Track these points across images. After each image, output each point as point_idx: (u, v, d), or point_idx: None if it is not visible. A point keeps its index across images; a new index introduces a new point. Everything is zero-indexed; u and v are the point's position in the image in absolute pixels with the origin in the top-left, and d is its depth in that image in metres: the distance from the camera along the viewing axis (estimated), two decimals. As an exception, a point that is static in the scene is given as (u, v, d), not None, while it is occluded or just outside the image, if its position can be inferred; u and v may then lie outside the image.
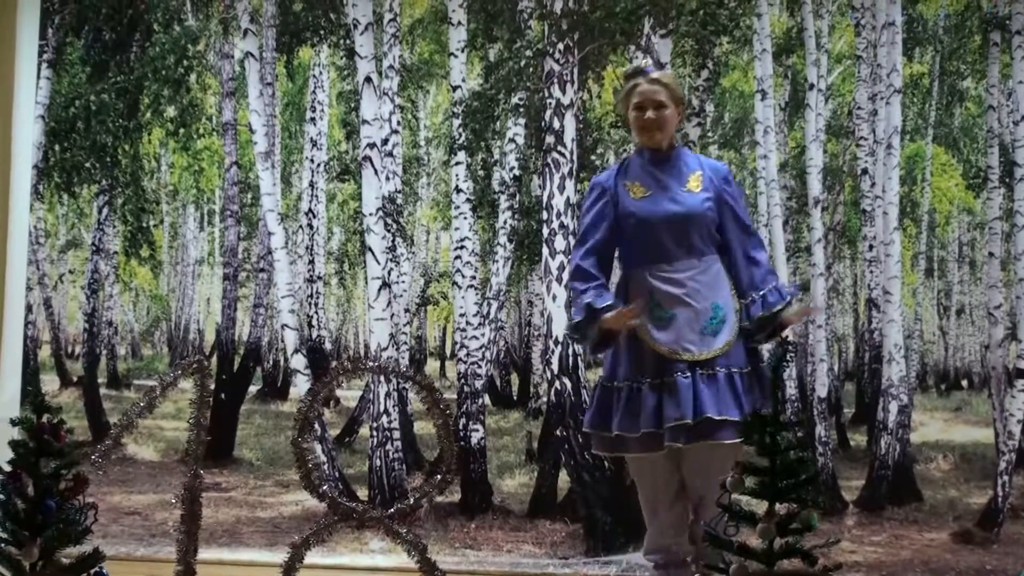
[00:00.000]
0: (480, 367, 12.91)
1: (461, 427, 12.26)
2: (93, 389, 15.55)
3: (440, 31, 17.63)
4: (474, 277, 13.21)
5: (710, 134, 17.83)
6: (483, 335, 13.16)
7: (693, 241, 4.79)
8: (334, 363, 4.77)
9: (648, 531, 5.06)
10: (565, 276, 10.26)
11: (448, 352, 30.08)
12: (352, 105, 16.11)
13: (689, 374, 4.67)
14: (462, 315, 13.11)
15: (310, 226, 17.07)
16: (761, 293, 4.76)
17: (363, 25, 11.91)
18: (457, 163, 13.12)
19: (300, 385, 12.75)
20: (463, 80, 13.08)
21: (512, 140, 13.78)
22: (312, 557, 4.75)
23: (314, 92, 17.25)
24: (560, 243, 10.75)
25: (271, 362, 20.12)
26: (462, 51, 13.11)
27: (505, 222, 13.74)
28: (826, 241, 14.28)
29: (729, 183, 4.92)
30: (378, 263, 11.79)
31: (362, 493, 11.97)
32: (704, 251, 4.81)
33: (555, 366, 10.73)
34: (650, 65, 5.05)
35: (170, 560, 4.90)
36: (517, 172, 13.82)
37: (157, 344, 29.25)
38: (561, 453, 10.88)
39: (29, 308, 15.44)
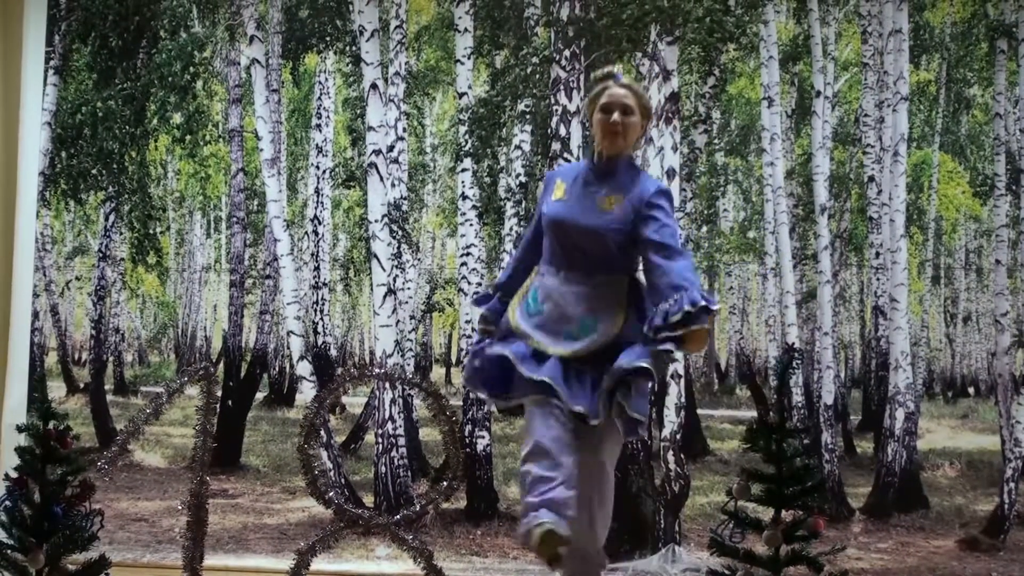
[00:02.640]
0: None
1: (467, 434, 12.24)
2: (100, 395, 15.54)
3: (446, 38, 17.62)
4: (480, 284, 13.20)
5: (716, 141, 17.82)
6: (489, 342, 13.13)
7: (585, 255, 4.81)
8: (340, 370, 4.77)
9: None
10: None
11: (454, 359, 30.07)
12: (358, 112, 16.10)
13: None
14: (468, 322, 13.11)
15: (316, 233, 17.06)
16: (668, 303, 4.65)
17: (369, 32, 11.93)
18: (463, 170, 13.11)
19: (306, 392, 12.75)
20: (469, 87, 13.07)
21: (518, 147, 13.76)
22: (318, 563, 4.76)
23: (320, 99, 17.24)
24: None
25: (277, 369, 20.10)
26: (468, 58, 13.10)
27: (511, 229, 13.73)
28: (833, 248, 14.26)
29: (651, 205, 4.82)
30: (383, 270, 11.79)
31: (368, 500, 11.96)
32: (597, 268, 4.81)
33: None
34: (620, 72, 5.05)
35: (177, 566, 4.91)
36: (523, 179, 13.81)
37: (164, 351, 29.24)
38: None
39: (36, 314, 15.46)
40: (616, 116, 4.88)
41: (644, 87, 5.07)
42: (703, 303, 4.61)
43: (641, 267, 4.92)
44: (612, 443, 4.87)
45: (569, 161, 10.64)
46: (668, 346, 4.65)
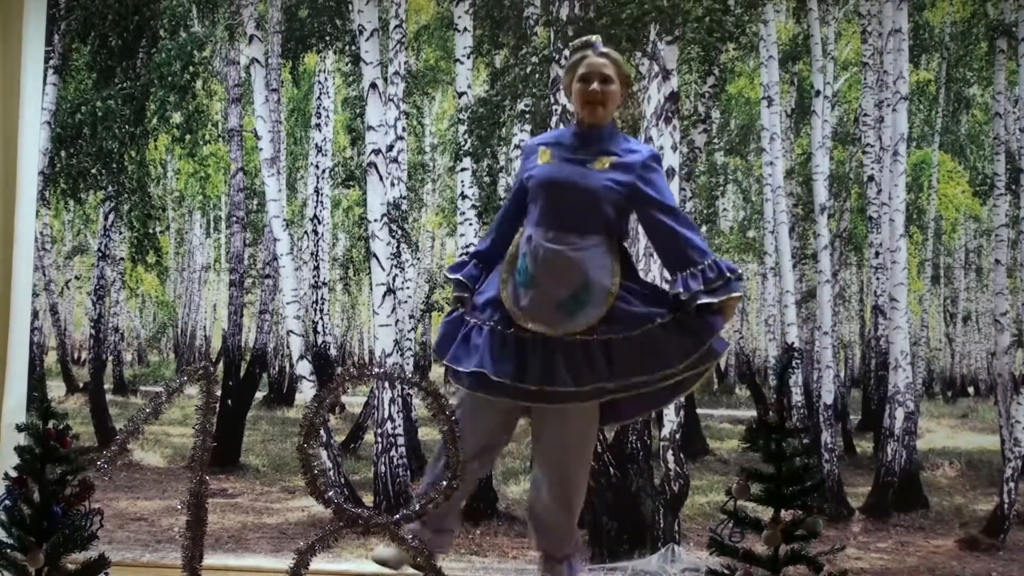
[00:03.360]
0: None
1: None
2: (99, 395, 15.54)
3: (446, 37, 17.63)
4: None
5: (716, 141, 17.81)
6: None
7: (579, 216, 4.78)
8: (339, 369, 4.76)
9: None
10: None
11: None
12: (357, 111, 16.10)
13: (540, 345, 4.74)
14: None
15: (315, 232, 17.07)
16: (700, 267, 4.70)
17: (369, 31, 11.93)
18: (463, 169, 13.11)
19: (306, 391, 12.76)
20: (469, 86, 13.07)
21: (518, 146, 13.76)
22: (318, 563, 4.76)
23: (319, 98, 17.25)
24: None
25: (277, 368, 20.10)
26: (468, 57, 13.10)
27: (511, 228, 13.72)
28: (832, 248, 14.27)
29: (647, 167, 4.84)
30: (383, 269, 11.80)
31: (367, 499, 11.96)
32: (589, 229, 4.78)
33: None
34: (599, 41, 5.03)
35: (176, 566, 4.91)
36: (523, 179, 13.80)
37: (164, 350, 29.24)
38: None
39: (35, 314, 15.46)
40: (596, 85, 4.87)
41: (637, 74, 5.02)
42: (739, 270, 4.71)
43: (644, 230, 4.93)
44: (580, 423, 4.86)
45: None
46: (715, 323, 4.71)
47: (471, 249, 5.24)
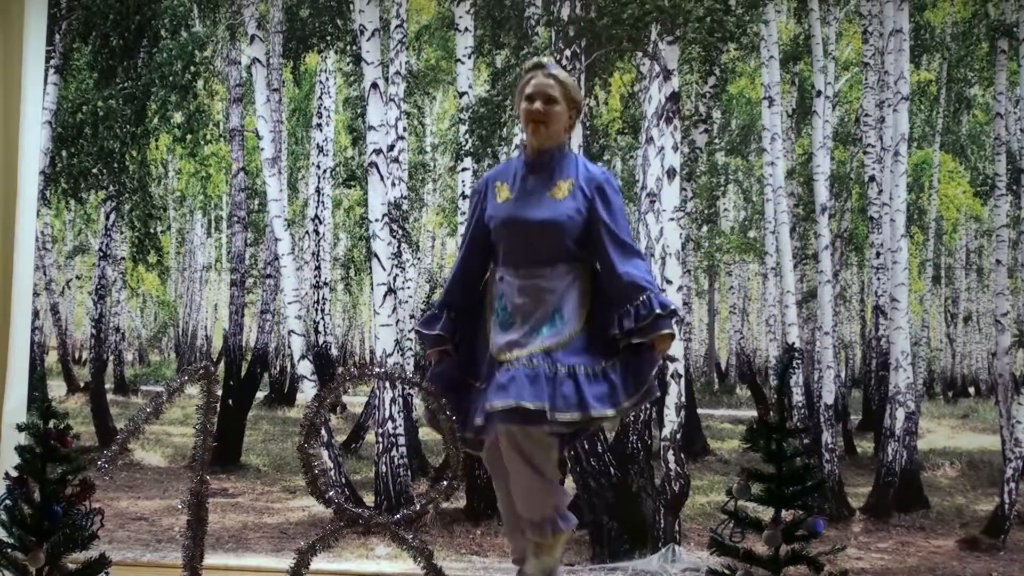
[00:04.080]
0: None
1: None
2: (100, 394, 15.55)
3: (447, 37, 17.65)
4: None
5: (717, 141, 17.84)
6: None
7: (545, 249, 4.74)
8: (340, 369, 4.76)
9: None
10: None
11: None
12: (358, 111, 16.13)
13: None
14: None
15: (316, 232, 17.10)
16: (636, 303, 4.64)
17: (370, 31, 11.92)
18: (463, 169, 13.12)
19: (307, 391, 12.76)
20: (470, 86, 13.08)
21: (519, 146, 13.77)
22: (318, 563, 4.75)
23: (320, 98, 17.28)
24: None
25: (278, 368, 20.14)
26: (469, 57, 13.11)
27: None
28: (833, 248, 14.27)
29: (603, 192, 4.78)
30: (384, 269, 11.79)
31: (368, 499, 11.97)
32: (558, 259, 4.75)
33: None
34: (551, 62, 4.99)
35: (177, 565, 4.91)
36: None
37: (164, 350, 29.31)
38: (566, 459, 10.86)
39: (36, 314, 15.47)
40: (538, 104, 4.84)
41: (574, 80, 4.91)
42: (672, 307, 4.65)
43: (595, 260, 4.89)
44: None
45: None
46: (652, 357, 4.68)
47: (437, 301, 5.13)
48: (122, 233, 16.84)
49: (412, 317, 14.99)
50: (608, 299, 4.77)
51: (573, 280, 4.76)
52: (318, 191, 17.14)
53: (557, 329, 4.69)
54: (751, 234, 19.73)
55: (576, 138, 10.67)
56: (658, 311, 4.59)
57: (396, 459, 11.83)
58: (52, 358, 21.17)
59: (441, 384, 4.90)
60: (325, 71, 17.18)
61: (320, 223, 17.11)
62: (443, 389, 4.86)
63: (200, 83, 16.02)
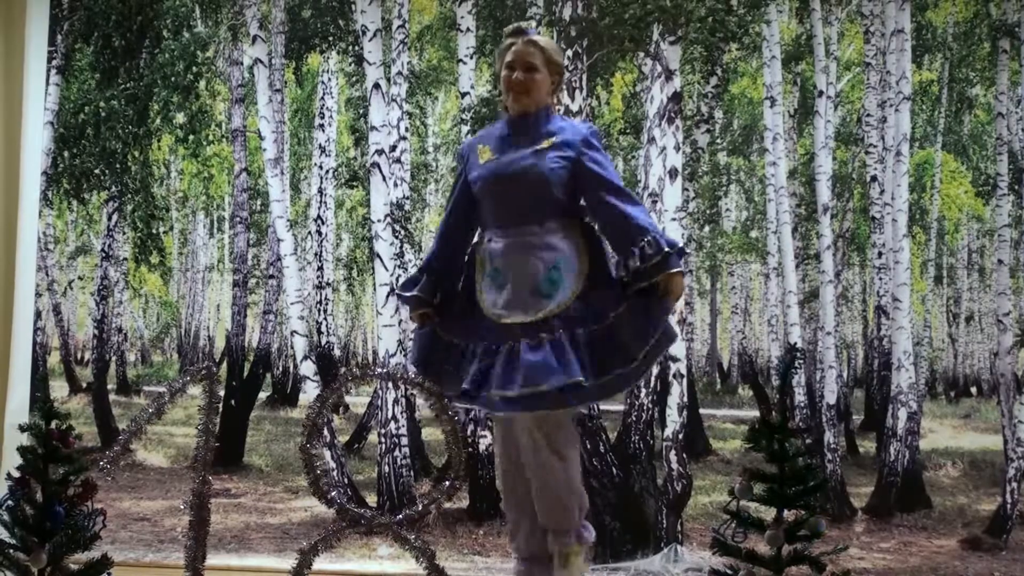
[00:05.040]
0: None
1: (469, 433, 12.24)
2: (102, 395, 15.55)
3: (449, 37, 17.64)
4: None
5: (719, 141, 17.83)
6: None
7: (532, 203, 4.70)
8: (343, 369, 4.76)
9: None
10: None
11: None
12: (361, 111, 16.11)
13: (515, 343, 4.58)
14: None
15: (319, 232, 17.09)
16: (642, 243, 4.55)
17: (372, 31, 11.92)
18: (466, 169, 13.10)
19: (309, 391, 12.76)
20: (472, 87, 13.07)
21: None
22: (320, 563, 4.76)
23: (323, 98, 17.27)
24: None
25: (280, 368, 20.12)
26: (471, 57, 13.11)
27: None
28: (835, 248, 14.26)
29: (590, 144, 4.74)
30: (386, 269, 11.79)
31: (371, 499, 11.97)
32: (547, 216, 4.70)
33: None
34: (533, 28, 4.95)
35: (179, 566, 4.91)
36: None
37: (167, 350, 29.29)
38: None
39: (38, 314, 15.47)
40: (518, 74, 4.81)
41: (556, 44, 4.86)
42: (679, 245, 4.60)
43: (588, 209, 4.82)
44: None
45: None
46: (665, 303, 4.61)
47: (420, 264, 5.07)
48: (124, 234, 16.82)
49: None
50: (609, 248, 4.73)
51: (564, 236, 4.70)
52: (320, 191, 17.14)
53: (557, 291, 4.62)
54: (753, 234, 19.69)
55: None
56: (666, 249, 4.52)
57: (399, 459, 11.83)
58: (54, 359, 21.12)
59: (426, 344, 4.89)
60: (327, 71, 17.17)
61: (322, 224, 17.10)
62: (427, 350, 4.86)
63: (202, 84, 16.03)
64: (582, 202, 4.80)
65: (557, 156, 4.69)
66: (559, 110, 5.52)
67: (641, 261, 4.54)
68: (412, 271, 5.20)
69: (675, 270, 4.54)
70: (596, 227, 4.79)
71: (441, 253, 4.98)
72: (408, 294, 4.94)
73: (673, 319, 4.74)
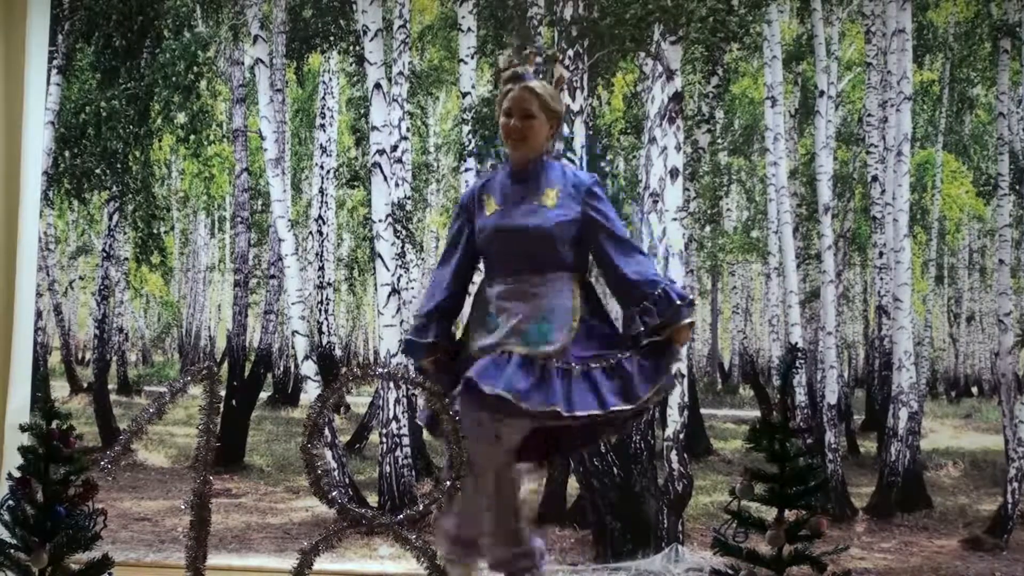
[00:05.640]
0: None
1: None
2: (103, 395, 15.55)
3: (450, 37, 17.62)
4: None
5: (720, 141, 17.82)
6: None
7: (534, 256, 4.76)
8: (344, 369, 4.76)
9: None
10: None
11: (457, 358, 29.93)
12: (362, 111, 16.10)
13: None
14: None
15: (320, 232, 17.08)
16: (654, 298, 4.65)
17: (373, 31, 11.92)
18: (467, 169, 13.10)
19: (310, 391, 12.76)
20: (473, 86, 13.08)
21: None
22: (321, 563, 4.76)
23: (324, 98, 17.26)
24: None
25: (281, 368, 20.11)
26: (472, 57, 13.11)
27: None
28: (836, 248, 14.26)
29: (594, 196, 4.81)
30: (388, 270, 11.79)
31: (372, 499, 11.97)
32: (547, 268, 4.76)
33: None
34: (529, 72, 4.98)
35: (180, 566, 4.91)
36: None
37: (168, 350, 29.26)
38: (570, 459, 10.86)
39: (39, 314, 15.45)
40: (515, 122, 4.85)
41: (553, 89, 4.88)
42: (689, 297, 4.72)
43: (595, 260, 4.90)
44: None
45: (572, 161, 10.63)
46: (673, 350, 4.68)
47: (423, 310, 5.06)
48: (125, 234, 16.81)
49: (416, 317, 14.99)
50: (619, 297, 4.81)
51: (561, 290, 4.76)
52: (321, 191, 17.13)
53: (544, 342, 4.66)
54: (754, 234, 19.67)
55: (579, 138, 10.67)
56: (678, 302, 4.63)
57: (400, 459, 11.83)
58: (55, 359, 21.10)
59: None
60: (328, 71, 17.16)
61: (324, 223, 17.09)
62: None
63: (203, 83, 16.02)
64: (588, 257, 4.91)
65: (561, 212, 4.77)
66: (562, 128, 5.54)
67: (659, 316, 4.65)
68: (422, 280, 5.27)
69: (686, 321, 4.67)
70: (603, 277, 4.87)
71: (451, 294, 5.01)
72: (424, 340, 4.97)
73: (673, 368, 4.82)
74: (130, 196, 15.71)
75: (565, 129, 10.83)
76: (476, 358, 4.74)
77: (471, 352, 4.83)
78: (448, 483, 4.70)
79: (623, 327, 4.90)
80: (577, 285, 4.81)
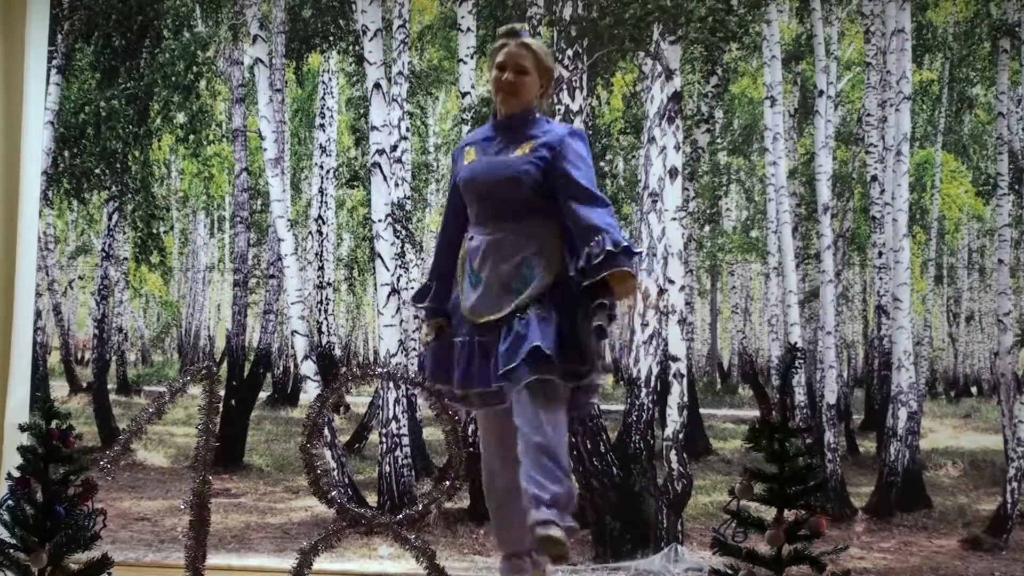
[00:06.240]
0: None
1: (470, 433, 12.23)
2: (103, 395, 15.55)
3: (449, 37, 17.62)
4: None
5: (719, 140, 17.82)
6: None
7: (508, 203, 4.76)
8: (343, 369, 4.76)
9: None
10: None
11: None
12: (361, 111, 16.10)
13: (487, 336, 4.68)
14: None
15: (320, 232, 17.08)
16: (588, 244, 4.56)
17: (372, 31, 11.93)
18: (466, 169, 13.10)
19: (310, 391, 12.76)
20: (472, 86, 13.07)
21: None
22: (321, 563, 4.76)
23: (323, 98, 17.26)
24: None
25: (281, 368, 20.10)
26: (471, 57, 13.11)
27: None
28: (835, 248, 14.26)
29: (565, 144, 4.75)
30: (387, 269, 11.80)
31: (371, 499, 11.97)
32: (523, 215, 4.75)
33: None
34: (525, 29, 4.99)
35: (179, 566, 4.91)
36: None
37: (167, 350, 29.24)
38: (569, 458, 10.84)
39: (38, 314, 15.46)
40: (508, 75, 4.86)
41: (548, 48, 4.89)
42: (625, 244, 4.56)
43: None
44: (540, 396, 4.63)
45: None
46: (601, 299, 4.59)
47: (432, 274, 5.12)
48: (125, 233, 16.80)
49: (416, 317, 14.98)
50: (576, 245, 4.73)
51: (539, 235, 4.74)
52: (321, 191, 17.12)
53: (528, 286, 4.66)
54: (753, 234, 19.67)
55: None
56: (609, 247, 4.51)
57: (400, 459, 11.84)
58: (54, 358, 21.08)
59: (440, 358, 4.93)
60: (328, 71, 17.15)
61: (323, 223, 17.08)
62: (443, 364, 4.89)
63: (203, 83, 16.02)
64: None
65: (533, 158, 4.75)
66: (560, 110, 5.57)
67: (587, 261, 4.56)
68: (422, 280, 5.26)
69: (620, 268, 4.53)
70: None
71: (443, 256, 5.04)
72: (422, 304, 5.00)
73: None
74: (129, 196, 15.71)
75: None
76: (468, 320, 4.79)
77: (463, 312, 4.83)
78: (448, 483, 4.70)
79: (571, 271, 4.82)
80: (556, 230, 4.79)
